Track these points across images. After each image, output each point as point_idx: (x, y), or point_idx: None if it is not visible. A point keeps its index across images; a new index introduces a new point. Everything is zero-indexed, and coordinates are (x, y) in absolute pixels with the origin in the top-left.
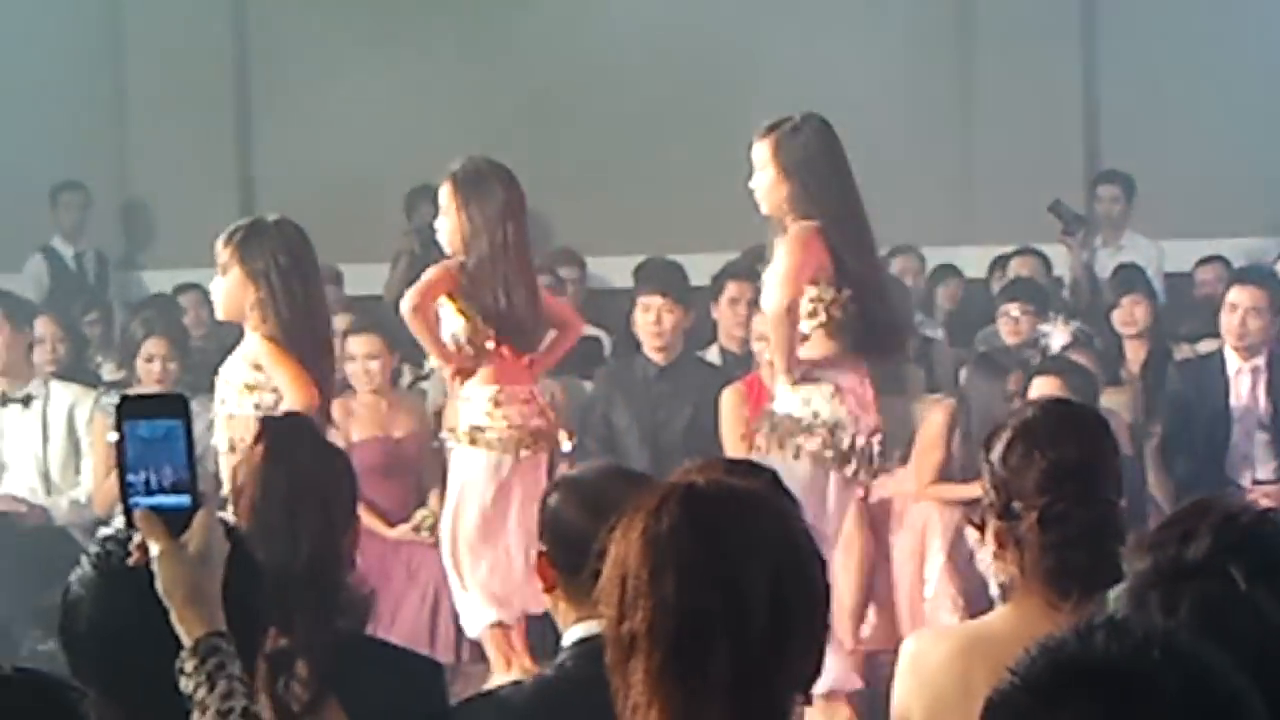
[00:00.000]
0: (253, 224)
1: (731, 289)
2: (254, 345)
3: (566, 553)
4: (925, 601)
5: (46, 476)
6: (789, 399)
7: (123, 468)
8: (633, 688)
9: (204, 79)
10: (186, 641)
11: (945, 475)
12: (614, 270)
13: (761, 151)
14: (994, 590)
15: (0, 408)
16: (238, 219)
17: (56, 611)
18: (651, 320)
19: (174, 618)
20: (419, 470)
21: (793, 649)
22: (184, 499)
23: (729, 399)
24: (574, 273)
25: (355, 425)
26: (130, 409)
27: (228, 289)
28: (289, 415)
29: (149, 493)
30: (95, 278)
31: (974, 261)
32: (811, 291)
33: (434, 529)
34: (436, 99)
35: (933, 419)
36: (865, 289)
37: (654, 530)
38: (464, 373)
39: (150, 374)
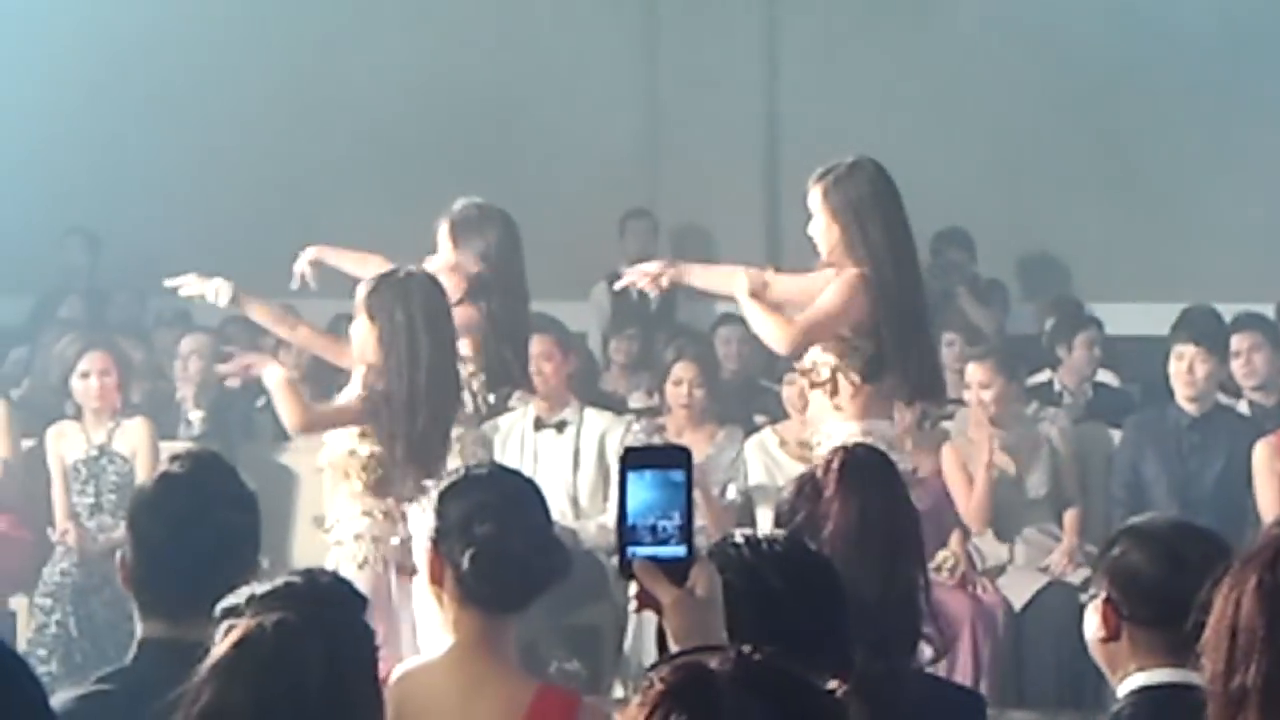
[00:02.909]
0: (386, 275)
1: (1236, 340)
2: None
3: (1136, 602)
4: None
5: (575, 501)
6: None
7: (622, 516)
8: None
9: (734, 107)
10: None
11: None
12: (1146, 317)
13: (814, 197)
14: None
15: (535, 432)
16: (763, 246)
17: (583, 631)
18: (1184, 369)
19: None
20: (944, 510)
21: None
22: (681, 549)
23: (1262, 453)
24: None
25: None
26: (634, 459)
27: (360, 334)
28: (864, 447)
29: (648, 543)
30: (659, 304)
31: None
32: (846, 340)
33: (954, 570)
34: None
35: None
36: (906, 335)
37: (1271, 582)
38: None
39: (677, 397)
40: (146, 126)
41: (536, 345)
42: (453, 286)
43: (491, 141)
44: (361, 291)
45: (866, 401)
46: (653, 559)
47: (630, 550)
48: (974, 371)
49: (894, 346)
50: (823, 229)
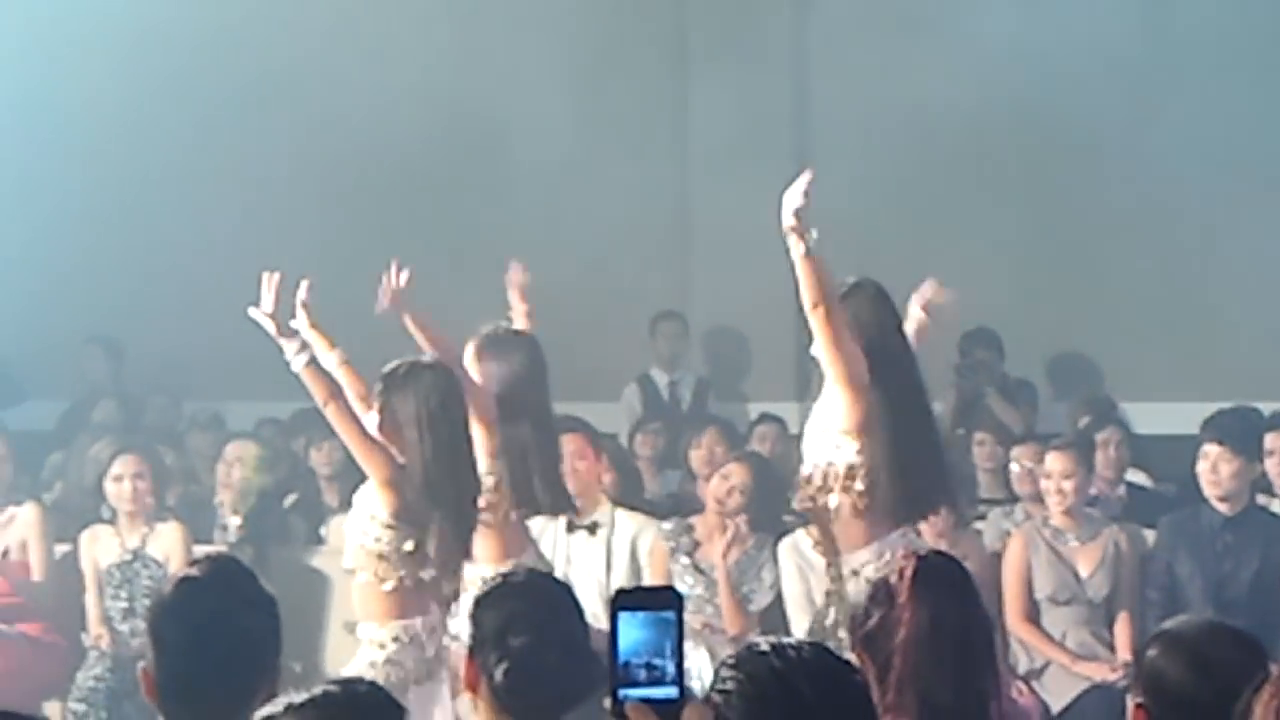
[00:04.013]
0: (411, 365)
1: (1270, 440)
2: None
3: (1165, 707)
4: None
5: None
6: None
7: (614, 656)
8: None
9: (765, 210)
10: None
11: None
12: (1180, 416)
13: (816, 318)
14: None
15: (568, 534)
16: (795, 348)
17: None
18: (1208, 468)
19: None
20: None
21: None
22: (672, 691)
23: None
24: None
25: None
26: (625, 600)
27: (374, 425)
28: (938, 553)
29: (640, 683)
30: (691, 405)
31: None
32: (847, 459)
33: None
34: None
35: None
36: (897, 456)
37: None
38: None
39: (718, 493)
40: (173, 230)
41: (570, 444)
42: (477, 409)
43: (520, 244)
44: (378, 383)
45: (870, 522)
46: (645, 700)
47: (623, 692)
48: (1054, 461)
49: (882, 465)
50: (823, 348)
